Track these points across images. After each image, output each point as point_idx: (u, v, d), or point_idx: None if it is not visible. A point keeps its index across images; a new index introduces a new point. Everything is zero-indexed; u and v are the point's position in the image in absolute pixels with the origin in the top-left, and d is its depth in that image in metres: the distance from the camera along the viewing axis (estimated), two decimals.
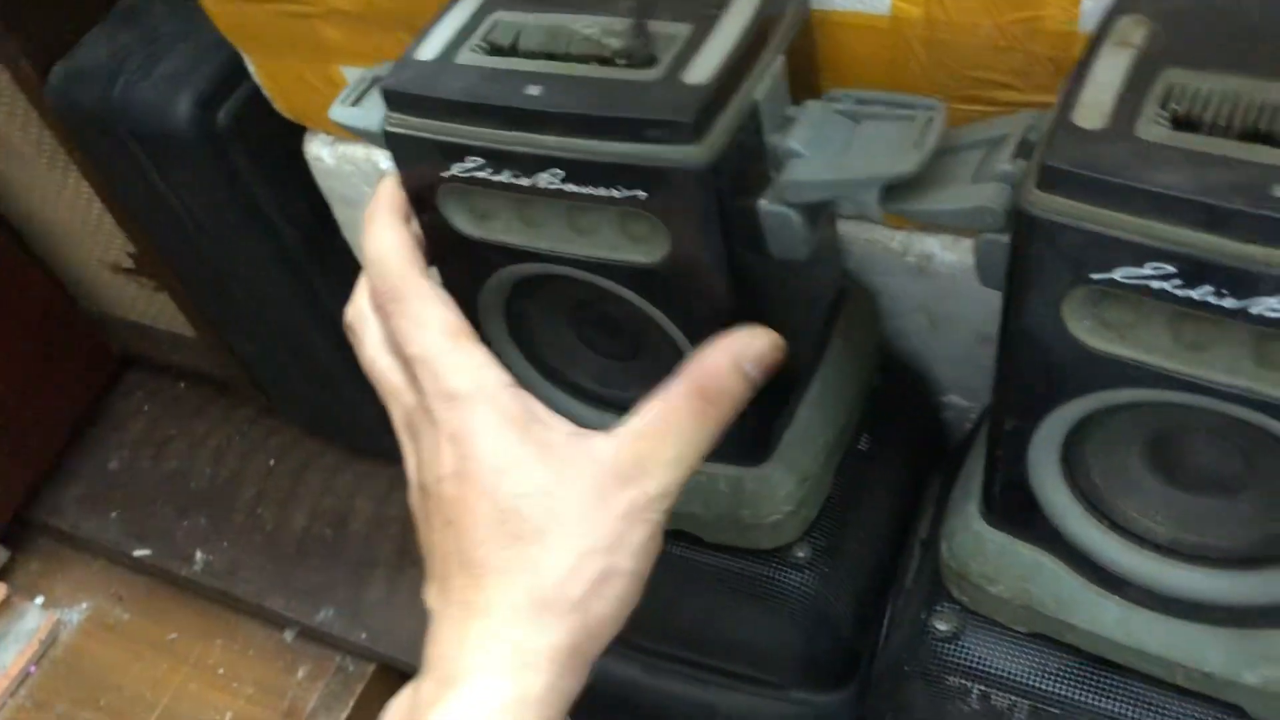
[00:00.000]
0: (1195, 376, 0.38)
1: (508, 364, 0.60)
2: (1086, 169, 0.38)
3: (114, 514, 1.22)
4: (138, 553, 1.18)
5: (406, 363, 0.47)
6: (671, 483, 0.44)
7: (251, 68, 0.75)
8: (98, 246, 1.11)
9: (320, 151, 0.78)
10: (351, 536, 1.12)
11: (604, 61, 0.47)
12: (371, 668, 1.07)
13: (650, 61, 0.46)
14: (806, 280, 0.60)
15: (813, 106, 0.49)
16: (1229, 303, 0.36)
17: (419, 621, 1.04)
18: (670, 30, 0.47)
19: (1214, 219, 0.35)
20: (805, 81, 0.52)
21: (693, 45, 0.46)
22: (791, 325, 0.60)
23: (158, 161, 0.84)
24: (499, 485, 0.43)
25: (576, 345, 0.59)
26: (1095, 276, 0.39)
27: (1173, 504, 0.47)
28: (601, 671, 0.72)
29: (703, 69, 0.45)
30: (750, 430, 0.57)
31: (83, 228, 1.09)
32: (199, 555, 1.15)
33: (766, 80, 0.47)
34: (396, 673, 1.07)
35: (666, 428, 0.45)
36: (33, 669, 1.16)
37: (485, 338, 0.59)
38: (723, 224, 0.47)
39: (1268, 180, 0.35)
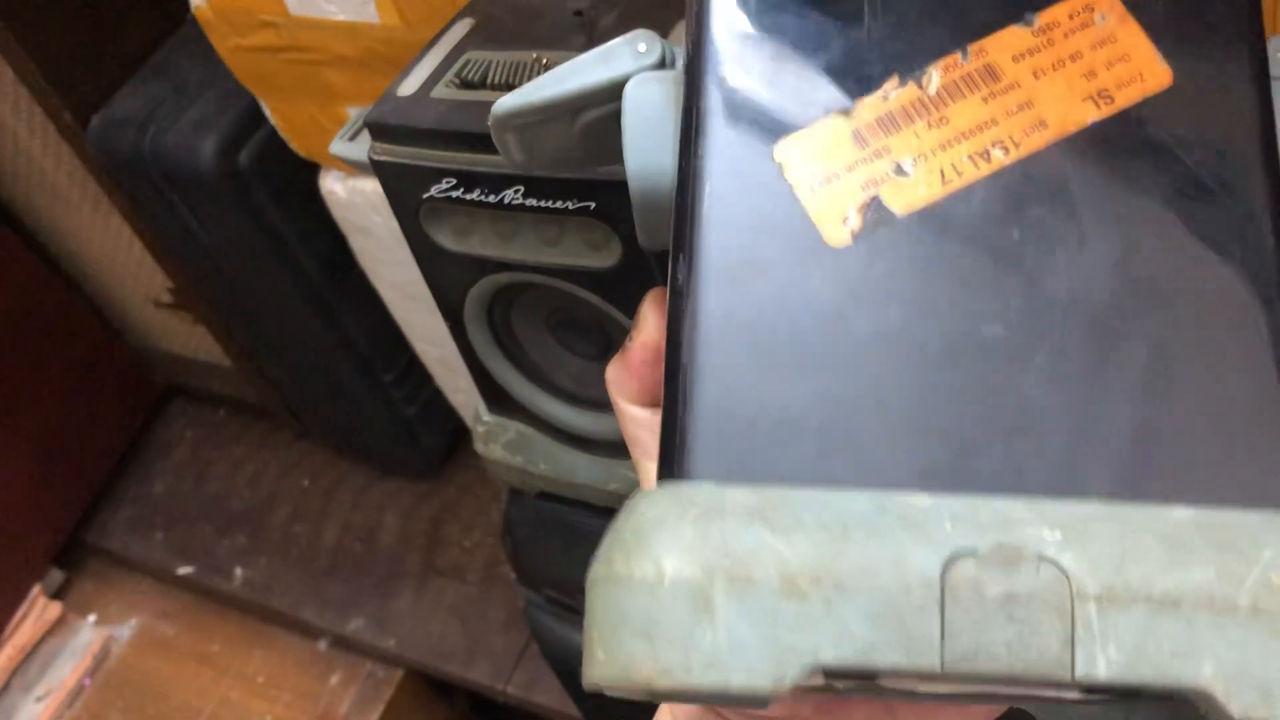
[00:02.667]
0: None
1: (492, 368, 0.67)
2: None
3: (159, 535, 1.29)
4: (182, 571, 1.25)
5: None
6: None
7: (267, 111, 0.82)
8: (139, 283, 1.19)
9: (334, 186, 0.85)
10: (380, 550, 1.18)
11: None
12: (400, 673, 1.13)
13: None
14: None
15: None
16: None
17: (443, 628, 1.11)
18: None
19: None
20: None
21: None
22: None
23: (188, 201, 0.92)
24: None
25: (554, 348, 0.65)
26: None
27: None
28: (556, 637, 0.77)
29: None
30: None
31: (125, 266, 1.17)
32: (238, 571, 1.22)
33: None
34: (423, 678, 1.13)
35: None
36: (86, 682, 1.23)
37: (472, 345, 0.66)
38: None
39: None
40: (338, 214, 0.88)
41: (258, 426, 1.35)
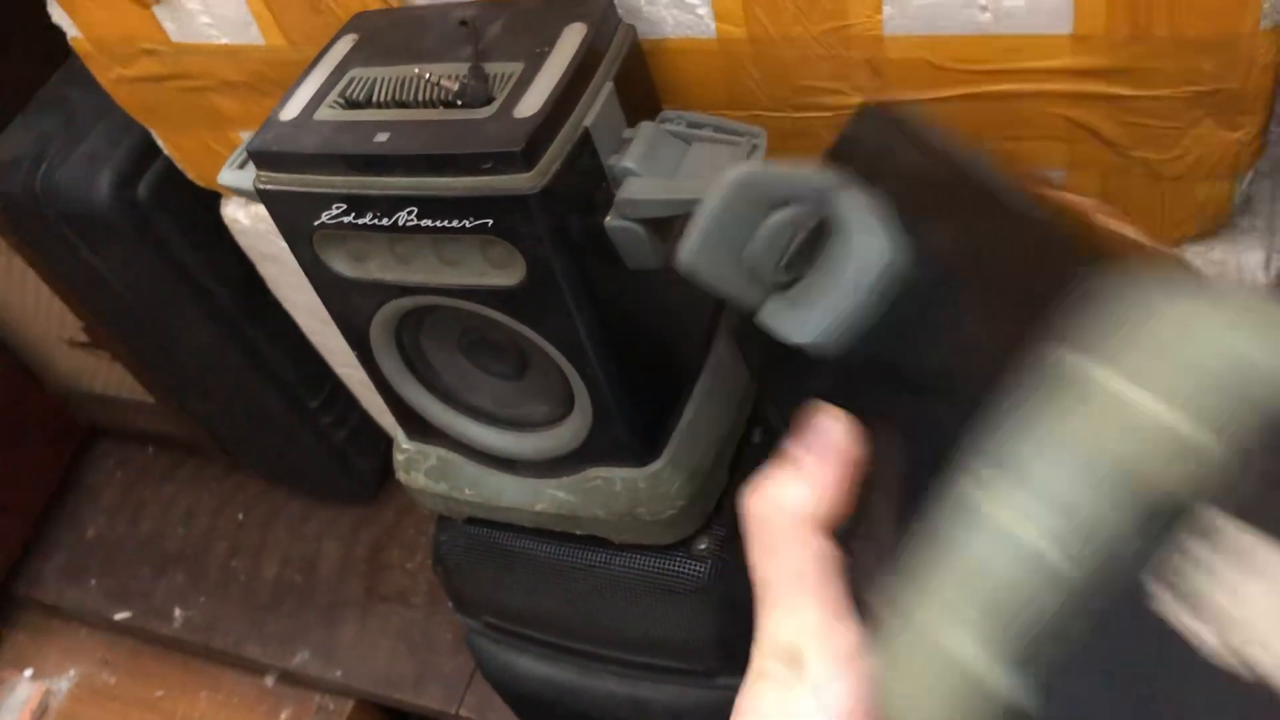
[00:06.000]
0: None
1: (406, 395, 0.64)
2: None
3: (94, 581, 1.25)
4: (119, 616, 1.21)
5: None
6: None
7: (160, 141, 0.79)
8: (52, 324, 1.15)
9: (236, 214, 0.82)
10: (321, 580, 1.15)
11: (447, 105, 0.51)
12: (350, 704, 1.10)
13: (487, 100, 0.51)
14: (680, 286, 0.64)
15: (646, 128, 0.53)
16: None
17: (390, 655, 1.08)
18: (506, 70, 0.51)
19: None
20: (644, 104, 0.56)
21: (524, 82, 0.50)
22: (670, 329, 0.64)
23: (87, 239, 0.88)
24: None
25: (469, 370, 0.63)
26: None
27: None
28: (539, 676, 0.76)
29: (532, 102, 0.49)
30: (639, 431, 0.61)
31: (34, 307, 1.13)
32: (178, 612, 1.19)
33: (596, 107, 0.51)
34: (374, 706, 1.11)
35: None
36: None
37: (382, 373, 0.63)
38: (568, 242, 0.51)
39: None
40: (243, 242, 0.85)
41: (188, 462, 1.31)
